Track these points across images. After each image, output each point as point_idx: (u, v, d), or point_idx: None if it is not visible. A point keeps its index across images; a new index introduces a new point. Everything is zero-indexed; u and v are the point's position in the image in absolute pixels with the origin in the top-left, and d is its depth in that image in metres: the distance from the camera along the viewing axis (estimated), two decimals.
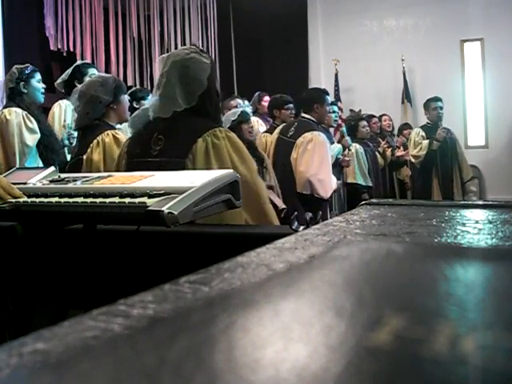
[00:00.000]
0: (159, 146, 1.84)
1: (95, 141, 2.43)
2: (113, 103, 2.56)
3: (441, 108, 5.55)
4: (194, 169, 1.75)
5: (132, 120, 2.07)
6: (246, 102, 5.03)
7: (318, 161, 3.64)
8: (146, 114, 1.97)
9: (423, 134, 5.56)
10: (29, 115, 3.30)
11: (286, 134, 3.85)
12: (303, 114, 3.91)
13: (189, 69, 1.87)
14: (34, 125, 3.30)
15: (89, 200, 1.29)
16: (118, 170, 1.99)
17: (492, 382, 0.24)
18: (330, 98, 4.23)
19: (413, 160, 5.60)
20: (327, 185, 3.69)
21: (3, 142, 3.26)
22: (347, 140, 5.15)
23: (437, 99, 5.57)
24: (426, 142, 5.49)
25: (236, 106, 4.47)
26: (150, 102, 1.97)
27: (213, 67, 1.95)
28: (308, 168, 3.63)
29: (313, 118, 3.84)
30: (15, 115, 3.25)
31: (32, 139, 3.28)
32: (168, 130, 1.86)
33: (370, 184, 5.33)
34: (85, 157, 2.44)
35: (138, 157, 1.89)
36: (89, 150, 2.44)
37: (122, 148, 2.04)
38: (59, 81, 3.74)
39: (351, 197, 4.96)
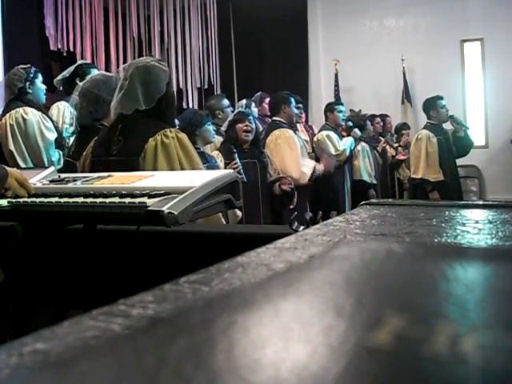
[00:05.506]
0: (118, 145, 2.02)
1: None
2: None
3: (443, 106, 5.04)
4: (144, 166, 1.91)
5: None
6: (253, 104, 4.99)
7: (286, 154, 3.84)
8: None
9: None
10: (44, 115, 3.31)
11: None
12: (273, 118, 4.13)
13: (150, 74, 2.07)
14: (50, 124, 3.31)
15: (89, 200, 1.29)
16: (83, 169, 2.12)
17: (492, 382, 0.24)
18: (332, 99, 4.31)
19: None
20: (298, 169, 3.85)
21: (26, 142, 3.23)
22: (355, 131, 5.19)
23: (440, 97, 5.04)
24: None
25: (228, 107, 4.45)
26: (113, 101, 2.13)
27: (169, 76, 2.18)
28: (283, 163, 3.79)
29: (282, 119, 4.05)
30: (32, 115, 3.23)
31: (52, 138, 3.28)
32: (126, 131, 2.04)
33: (375, 182, 5.42)
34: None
35: (100, 156, 2.06)
36: None
37: (88, 148, 2.17)
38: (59, 77, 3.72)
39: (358, 194, 4.99)
